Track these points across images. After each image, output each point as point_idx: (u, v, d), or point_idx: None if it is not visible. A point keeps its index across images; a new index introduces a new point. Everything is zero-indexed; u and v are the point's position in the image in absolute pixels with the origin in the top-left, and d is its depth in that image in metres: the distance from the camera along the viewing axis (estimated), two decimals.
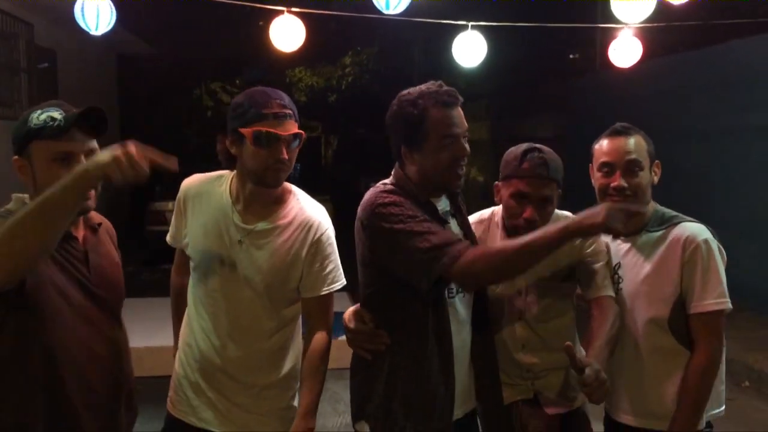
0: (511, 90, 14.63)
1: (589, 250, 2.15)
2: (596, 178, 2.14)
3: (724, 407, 2.14)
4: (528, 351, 2.17)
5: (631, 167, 2.06)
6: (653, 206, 2.15)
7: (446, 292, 1.94)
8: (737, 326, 5.86)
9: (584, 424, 2.25)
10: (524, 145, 2.12)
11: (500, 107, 15.23)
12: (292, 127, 1.92)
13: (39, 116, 1.72)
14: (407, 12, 4.13)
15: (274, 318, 2.02)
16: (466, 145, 1.92)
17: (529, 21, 5.97)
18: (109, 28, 3.85)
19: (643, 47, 4.88)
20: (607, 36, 5.57)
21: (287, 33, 4.27)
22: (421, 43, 18.83)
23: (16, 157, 1.76)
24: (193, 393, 2.05)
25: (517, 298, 2.18)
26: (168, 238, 2.19)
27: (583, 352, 2.07)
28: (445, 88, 1.92)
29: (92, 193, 1.75)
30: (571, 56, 16.38)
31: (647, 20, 4.21)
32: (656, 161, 2.14)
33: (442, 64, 18.89)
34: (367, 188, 2.02)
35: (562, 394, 2.19)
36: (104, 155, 1.50)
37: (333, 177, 19.52)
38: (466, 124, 1.93)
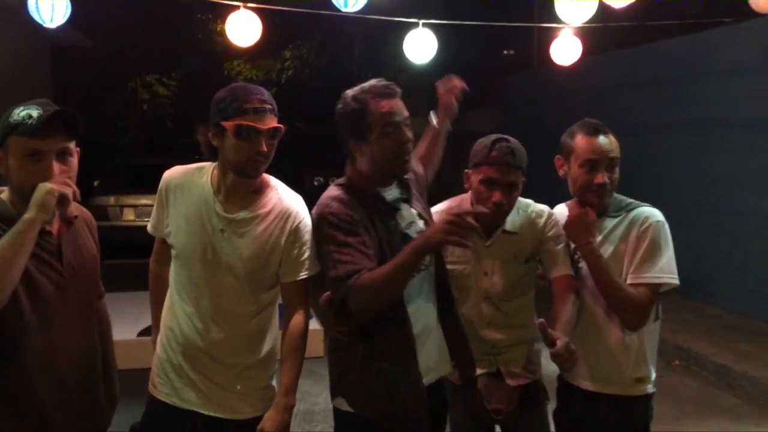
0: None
1: (549, 234, 2.35)
2: (577, 174, 2.26)
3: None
4: (493, 327, 2.36)
5: (612, 165, 2.24)
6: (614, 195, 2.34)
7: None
8: (666, 309, 6.22)
9: (542, 394, 2.46)
10: (493, 136, 2.29)
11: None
12: (272, 122, 2.03)
13: (19, 113, 1.80)
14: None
15: (254, 302, 2.13)
16: (409, 133, 2.07)
17: (471, 18, 6.17)
18: (64, 20, 3.83)
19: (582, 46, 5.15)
20: (544, 34, 5.84)
21: (244, 28, 4.32)
22: (361, 37, 18.93)
23: None
24: (176, 375, 2.13)
25: (483, 278, 2.35)
26: (149, 227, 2.26)
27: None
28: (383, 82, 2.09)
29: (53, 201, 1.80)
30: (505, 52, 16.81)
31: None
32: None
33: (382, 59, 19.05)
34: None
35: (523, 367, 2.38)
36: (40, 201, 1.74)
37: (276, 171, 19.37)
38: (406, 113, 2.08)
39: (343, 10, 3.93)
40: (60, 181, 1.80)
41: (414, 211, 2.18)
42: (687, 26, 7.10)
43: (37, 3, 3.70)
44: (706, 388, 5.14)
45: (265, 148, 2.01)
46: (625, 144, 2.39)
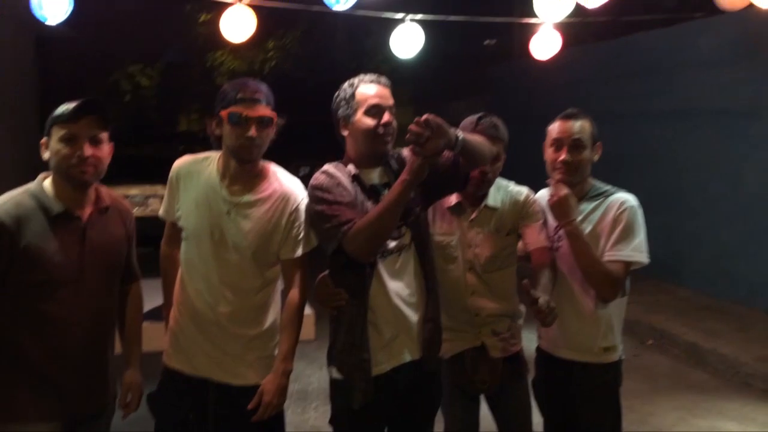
0: (434, 76, 15.09)
1: (528, 210, 2.58)
2: (547, 154, 2.56)
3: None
4: (476, 296, 2.57)
5: (576, 145, 2.49)
6: (591, 180, 2.58)
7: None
8: (641, 291, 6.52)
9: (523, 367, 2.67)
10: (478, 114, 2.56)
11: (424, 93, 15.69)
12: (262, 111, 2.23)
13: (63, 107, 2.13)
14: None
15: (259, 277, 2.33)
16: (391, 118, 2.26)
17: (454, 11, 6.32)
18: (66, 17, 3.96)
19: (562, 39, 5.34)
20: (525, 26, 6.03)
21: (238, 24, 4.44)
22: (344, 27, 18.95)
23: (43, 138, 2.16)
24: (189, 345, 2.34)
25: (467, 250, 2.58)
26: (161, 212, 2.47)
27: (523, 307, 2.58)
28: (375, 74, 2.34)
29: (90, 169, 2.12)
30: (486, 42, 16.95)
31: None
32: (598, 143, 2.56)
33: (366, 49, 19.10)
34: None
35: (505, 340, 2.60)
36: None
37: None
38: (391, 100, 2.29)
39: (333, 8, 4.08)
40: None
41: None
42: (660, 21, 7.35)
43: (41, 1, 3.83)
44: (677, 365, 5.42)
45: (254, 134, 2.21)
46: (603, 132, 2.62)
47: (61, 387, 2.13)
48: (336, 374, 2.32)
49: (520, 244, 2.64)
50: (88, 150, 2.10)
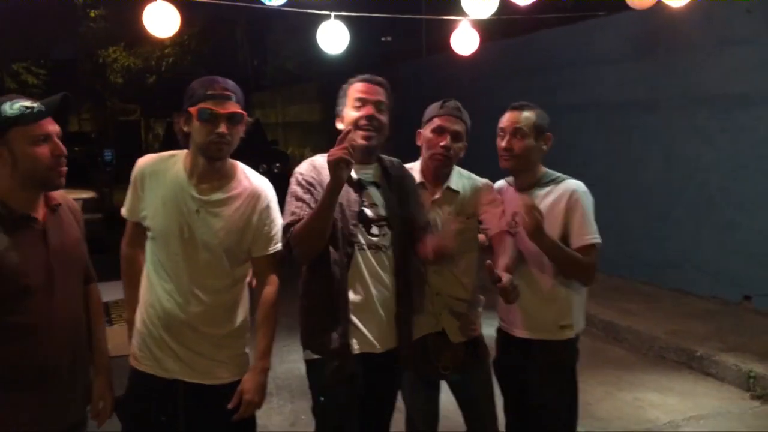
0: (341, 72, 15.14)
1: (488, 197, 2.70)
2: (497, 142, 2.69)
3: (583, 327, 2.74)
4: (436, 273, 2.64)
5: (516, 134, 2.63)
6: (543, 169, 2.73)
7: (352, 244, 2.35)
8: None
9: (484, 351, 2.77)
10: (442, 99, 2.71)
11: (332, 90, 15.71)
12: (233, 107, 2.21)
13: (12, 107, 1.93)
14: None
15: (230, 276, 2.31)
16: (377, 114, 2.38)
17: (365, 10, 6.39)
18: None
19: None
20: (433, 25, 6.18)
21: (161, 19, 4.31)
22: (243, 23, 18.68)
23: None
24: (157, 347, 2.27)
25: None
26: (123, 212, 2.38)
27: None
28: (371, 75, 2.48)
29: (65, 169, 2.01)
30: (383, 39, 17.22)
31: None
32: (547, 134, 2.70)
33: (267, 45, 18.98)
34: None
35: (465, 325, 2.69)
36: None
37: None
38: (379, 97, 2.42)
39: (267, 4, 4.04)
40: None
41: (381, 198, 2.43)
42: (566, 18, 7.73)
43: None
44: (596, 343, 5.71)
45: (224, 130, 2.18)
46: None
47: (40, 398, 2.00)
48: (312, 355, 2.41)
49: (481, 237, 2.74)
50: (63, 148, 2.00)
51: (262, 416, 4.16)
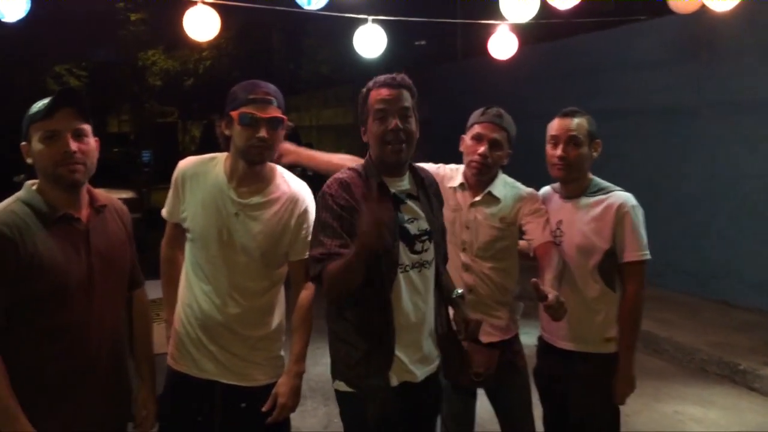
0: (375, 76, 15.15)
1: (532, 207, 2.62)
2: (546, 151, 2.63)
3: None
4: (471, 273, 2.61)
5: (571, 141, 2.56)
6: (591, 176, 2.66)
7: (395, 267, 2.13)
8: None
9: (520, 359, 2.70)
10: (485, 106, 2.65)
11: None
12: (274, 112, 2.21)
13: (36, 105, 1.96)
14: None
15: (267, 279, 2.30)
16: (400, 122, 2.12)
17: (403, 12, 6.38)
18: (24, 14, 3.78)
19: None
20: (470, 28, 6.13)
21: (201, 23, 4.35)
22: (279, 27, 18.84)
23: (23, 143, 1.98)
24: (195, 348, 2.28)
25: (464, 230, 2.62)
26: (164, 213, 2.39)
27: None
28: (391, 75, 2.19)
29: (80, 167, 1.96)
30: (416, 43, 17.19)
31: None
32: (597, 140, 2.63)
33: (302, 49, 19.11)
34: None
35: (497, 326, 2.63)
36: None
37: None
38: (403, 103, 2.14)
39: (306, 8, 4.05)
40: None
41: (420, 211, 2.23)
42: (606, 22, 7.62)
43: None
44: (635, 354, 5.59)
45: (265, 134, 2.18)
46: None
47: (82, 402, 1.99)
48: (346, 388, 2.20)
49: (524, 243, 2.68)
50: (72, 145, 1.93)
51: (295, 418, 4.15)
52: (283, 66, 19.64)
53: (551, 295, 2.19)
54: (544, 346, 2.74)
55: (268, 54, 18.44)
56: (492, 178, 2.65)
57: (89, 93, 20.04)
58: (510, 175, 2.75)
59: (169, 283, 2.43)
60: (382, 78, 2.20)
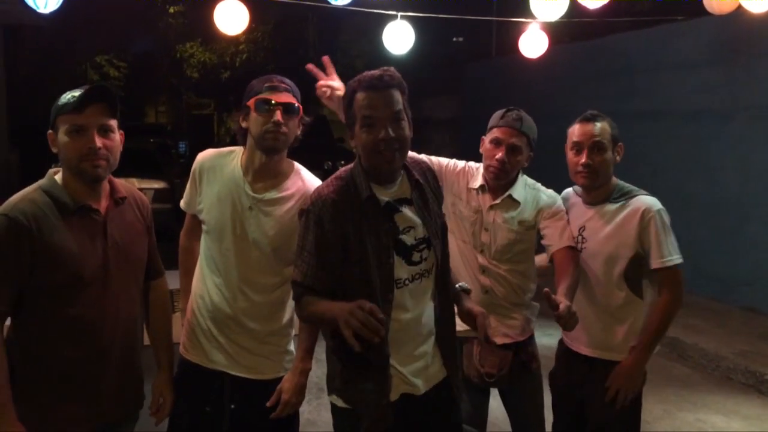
0: (408, 73, 15.14)
1: (552, 210, 2.58)
2: (569, 158, 2.56)
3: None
4: (486, 275, 2.58)
5: (595, 147, 2.49)
6: (615, 181, 2.59)
7: (392, 284, 1.98)
8: None
9: (534, 358, 2.66)
10: (506, 108, 2.58)
11: None
12: (288, 98, 2.23)
13: (66, 96, 1.99)
14: None
15: (278, 275, 2.31)
16: (391, 130, 1.91)
17: (430, 8, 6.36)
18: (57, 6, 3.88)
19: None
20: (503, 25, 6.09)
21: (231, 17, 4.42)
22: (315, 21, 18.90)
23: (49, 131, 2.02)
24: (206, 339, 2.32)
25: (483, 233, 2.59)
26: (182, 204, 2.44)
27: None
28: (377, 72, 1.96)
29: (103, 163, 1.99)
30: (454, 40, 17.10)
31: None
32: (619, 144, 2.57)
33: (338, 43, 19.13)
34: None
35: (510, 327, 2.60)
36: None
37: None
38: (393, 108, 1.93)
39: (334, 3, 4.07)
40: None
41: (415, 217, 2.05)
42: (641, 22, 7.50)
43: None
44: (660, 360, 5.48)
45: (279, 118, 2.19)
46: None
47: (95, 391, 2.03)
48: (342, 404, 2.07)
49: (540, 260, 2.66)
50: (98, 141, 1.95)
51: (312, 412, 4.26)
52: (318, 60, 19.74)
53: (563, 305, 2.13)
54: (564, 350, 2.69)
55: (304, 48, 18.50)
56: (512, 181, 2.61)
57: (128, 83, 20.41)
58: (539, 177, 2.69)
59: (187, 274, 2.47)
60: (367, 77, 1.95)
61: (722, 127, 6.79)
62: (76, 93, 1.96)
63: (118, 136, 2.05)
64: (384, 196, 2.01)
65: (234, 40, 19.55)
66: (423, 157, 2.44)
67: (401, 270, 2.00)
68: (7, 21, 11.52)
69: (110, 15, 15.06)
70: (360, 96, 1.94)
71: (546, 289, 2.11)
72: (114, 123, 2.02)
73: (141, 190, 2.47)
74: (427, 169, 2.20)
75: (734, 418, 4.44)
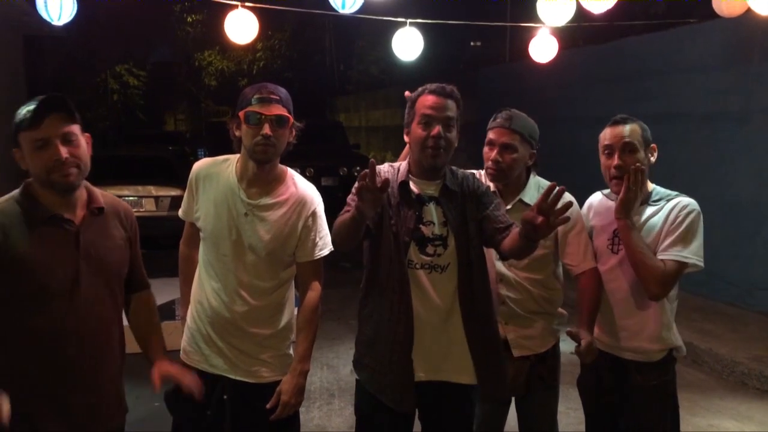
0: (423, 78, 15.18)
1: (570, 225, 2.43)
2: (601, 161, 2.53)
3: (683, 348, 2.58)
4: (504, 284, 2.57)
5: (626, 149, 2.45)
6: (651, 185, 2.54)
7: (404, 260, 2.26)
8: None
9: (552, 372, 2.63)
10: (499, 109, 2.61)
11: None
12: (278, 110, 2.25)
13: (22, 111, 1.94)
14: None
15: (275, 278, 2.36)
16: (445, 131, 2.24)
17: (445, 12, 6.41)
18: (71, 18, 3.96)
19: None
20: (517, 30, 6.11)
21: (241, 26, 4.49)
22: (332, 29, 19.05)
23: (15, 149, 1.98)
24: (205, 344, 2.36)
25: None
26: (180, 212, 2.49)
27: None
28: (442, 84, 2.31)
29: (74, 170, 1.96)
30: (472, 44, 17.11)
31: None
32: (652, 144, 2.51)
33: (354, 51, 19.29)
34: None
35: (530, 338, 2.58)
36: None
37: None
38: (448, 113, 2.25)
39: (341, 11, 4.11)
40: None
41: (439, 215, 2.30)
42: (653, 25, 7.46)
43: (45, 1, 3.83)
44: None
45: (268, 132, 2.22)
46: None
47: (64, 407, 1.98)
48: (366, 381, 2.35)
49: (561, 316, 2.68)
50: (63, 151, 1.91)
51: (322, 417, 4.29)
52: (334, 67, 19.84)
53: (584, 341, 2.31)
54: (605, 359, 2.59)
55: (320, 55, 18.64)
56: (522, 185, 2.59)
57: (148, 92, 20.66)
58: (554, 180, 2.62)
59: (186, 282, 2.51)
60: (433, 85, 2.30)
61: (737, 130, 6.72)
62: (31, 107, 1.92)
63: (83, 141, 2.00)
64: (420, 189, 2.32)
65: (251, 48, 19.79)
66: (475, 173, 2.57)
67: (414, 254, 2.28)
68: (27, 31, 11.75)
69: (129, 25, 15.28)
70: (423, 98, 2.29)
71: (569, 329, 2.36)
72: (76, 128, 1.97)
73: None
74: (476, 184, 2.39)
75: (748, 424, 4.38)
